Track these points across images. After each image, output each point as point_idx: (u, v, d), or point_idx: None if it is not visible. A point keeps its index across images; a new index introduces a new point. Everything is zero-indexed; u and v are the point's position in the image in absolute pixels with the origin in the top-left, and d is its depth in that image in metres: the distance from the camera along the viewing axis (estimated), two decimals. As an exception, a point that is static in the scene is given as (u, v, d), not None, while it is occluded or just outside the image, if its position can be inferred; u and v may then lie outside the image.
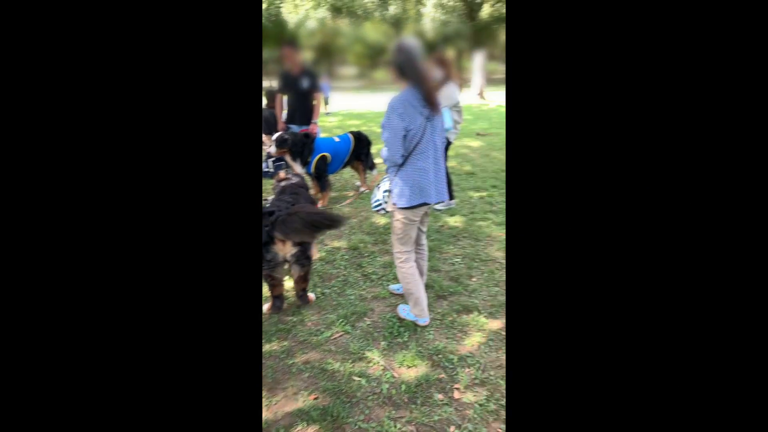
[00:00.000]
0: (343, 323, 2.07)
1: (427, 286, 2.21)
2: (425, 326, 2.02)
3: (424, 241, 2.12)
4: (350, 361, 1.82)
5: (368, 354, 1.86)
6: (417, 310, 2.01)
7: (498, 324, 2.04)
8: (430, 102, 1.72)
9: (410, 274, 1.96)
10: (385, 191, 2.04)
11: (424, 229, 2.09)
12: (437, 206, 2.01)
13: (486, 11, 17.91)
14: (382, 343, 1.94)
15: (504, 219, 3.27)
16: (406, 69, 1.70)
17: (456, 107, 3.23)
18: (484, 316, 2.11)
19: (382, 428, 1.49)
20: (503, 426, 1.49)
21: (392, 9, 16.38)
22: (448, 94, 2.99)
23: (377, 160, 4.17)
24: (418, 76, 1.70)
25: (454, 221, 3.25)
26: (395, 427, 1.49)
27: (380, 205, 2.08)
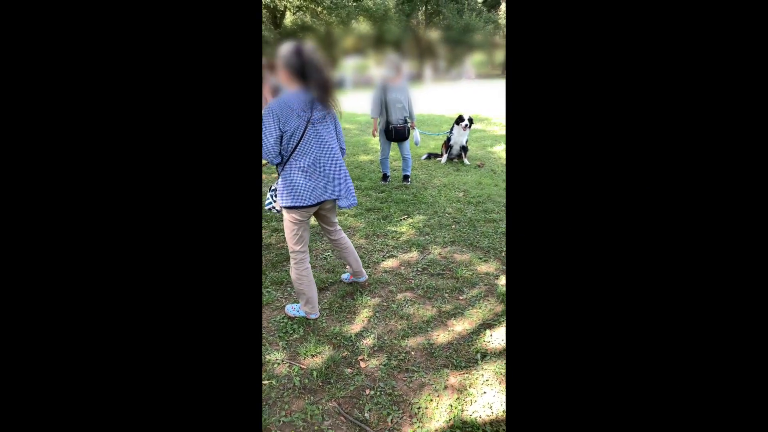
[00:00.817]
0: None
1: (310, 281, 2.33)
2: (316, 318, 2.14)
3: (339, 236, 2.19)
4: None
5: (270, 357, 1.88)
6: (308, 307, 2.10)
7: (378, 299, 2.32)
8: (325, 102, 1.80)
9: (304, 276, 2.02)
10: (273, 190, 2.06)
11: (330, 227, 2.16)
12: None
13: (289, 19, 18.28)
14: (280, 343, 1.98)
15: (356, 211, 3.60)
16: (307, 72, 1.74)
17: None
18: (366, 295, 2.36)
19: (306, 415, 1.57)
20: (407, 374, 1.76)
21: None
22: None
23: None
24: (320, 79, 1.76)
25: (313, 220, 3.40)
26: (318, 409, 1.59)
27: (271, 204, 2.08)
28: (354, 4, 18.00)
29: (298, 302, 2.14)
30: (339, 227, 2.21)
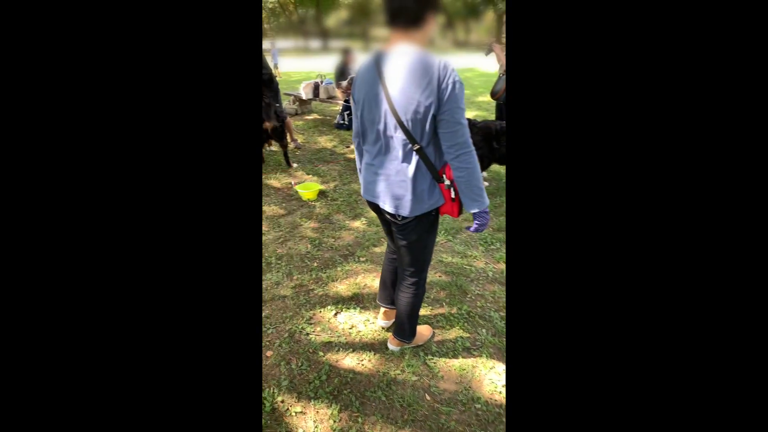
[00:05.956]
0: (446, 234, 2.68)
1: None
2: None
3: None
4: (459, 257, 2.43)
5: (470, 253, 2.46)
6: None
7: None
8: None
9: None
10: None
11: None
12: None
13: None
14: (480, 248, 2.53)
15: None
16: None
17: None
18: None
19: (494, 296, 2.09)
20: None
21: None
22: None
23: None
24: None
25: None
26: (503, 293, 2.09)
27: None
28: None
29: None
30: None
